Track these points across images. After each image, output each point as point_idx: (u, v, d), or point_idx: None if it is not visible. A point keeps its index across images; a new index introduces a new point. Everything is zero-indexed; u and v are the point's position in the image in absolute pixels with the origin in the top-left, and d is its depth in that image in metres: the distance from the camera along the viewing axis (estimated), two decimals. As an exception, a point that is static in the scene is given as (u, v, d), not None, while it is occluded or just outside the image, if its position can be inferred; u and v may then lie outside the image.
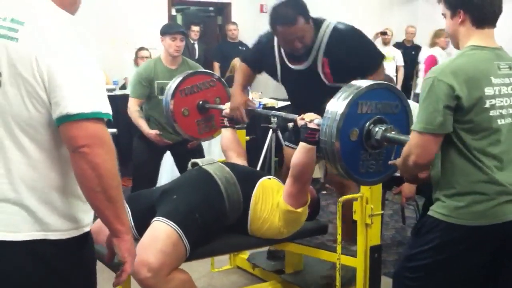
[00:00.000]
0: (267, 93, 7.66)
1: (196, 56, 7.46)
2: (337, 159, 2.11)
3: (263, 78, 9.40)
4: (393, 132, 2.11)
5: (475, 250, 1.92)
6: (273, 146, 5.44)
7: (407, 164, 1.91)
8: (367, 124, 2.14)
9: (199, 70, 3.71)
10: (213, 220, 2.57)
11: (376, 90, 2.18)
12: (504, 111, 1.88)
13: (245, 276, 3.44)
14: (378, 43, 7.81)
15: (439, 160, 1.92)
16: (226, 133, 3.17)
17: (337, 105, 2.12)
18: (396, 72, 7.78)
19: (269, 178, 2.78)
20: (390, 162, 2.13)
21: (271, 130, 5.45)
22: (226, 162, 2.94)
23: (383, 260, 2.72)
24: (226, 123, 3.17)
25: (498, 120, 1.87)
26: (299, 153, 2.54)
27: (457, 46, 1.99)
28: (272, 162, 5.49)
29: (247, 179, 2.72)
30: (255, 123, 5.96)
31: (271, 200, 2.67)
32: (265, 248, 3.13)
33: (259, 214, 2.66)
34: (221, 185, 2.63)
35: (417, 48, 8.31)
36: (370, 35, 7.70)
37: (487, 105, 1.85)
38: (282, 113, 3.02)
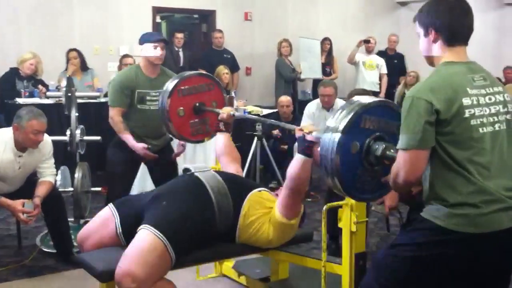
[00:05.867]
0: (252, 100, 7.68)
1: (181, 64, 7.46)
2: (335, 173, 2.08)
3: (248, 86, 9.42)
4: (392, 151, 2.10)
5: (460, 256, 1.95)
6: (258, 153, 5.45)
7: (397, 182, 1.95)
8: (367, 140, 2.12)
9: (200, 72, 3.57)
10: (201, 230, 2.56)
11: (382, 107, 2.17)
12: (485, 120, 1.94)
13: (230, 284, 3.43)
14: (362, 51, 7.88)
15: (429, 173, 1.96)
16: (221, 138, 3.12)
17: (339, 120, 2.09)
18: (380, 80, 7.85)
19: (260, 191, 2.75)
20: (383, 179, 2.15)
21: (256, 137, 5.45)
22: (218, 170, 2.92)
23: (368, 268, 2.73)
24: (222, 127, 3.13)
25: (480, 129, 1.93)
26: (295, 165, 2.50)
27: (431, 64, 2.08)
28: (257, 170, 5.49)
29: (238, 190, 2.70)
30: (240, 130, 5.96)
31: (261, 213, 2.66)
32: (251, 256, 3.13)
33: (248, 226, 2.65)
34: (212, 195, 2.61)
35: (400, 57, 8.39)
36: (354, 43, 7.79)
37: (467, 114, 1.91)
38: (281, 123, 2.98)
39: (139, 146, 3.68)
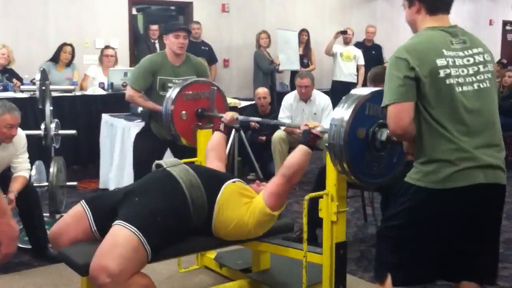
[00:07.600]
0: (230, 93, 7.65)
1: (157, 56, 7.39)
2: (344, 158, 2.29)
3: (226, 78, 9.40)
4: None
5: (442, 213, 2.06)
6: (236, 146, 5.42)
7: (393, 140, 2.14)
8: (372, 128, 2.32)
9: (205, 79, 3.72)
10: (176, 224, 2.53)
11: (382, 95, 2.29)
12: (461, 80, 2.05)
13: (212, 276, 3.41)
14: (339, 42, 7.89)
15: (417, 130, 2.09)
16: (217, 136, 3.23)
17: (344, 109, 2.30)
18: (357, 71, 7.88)
19: (234, 182, 2.73)
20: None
21: (234, 130, 5.41)
22: (190, 164, 2.89)
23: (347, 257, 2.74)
24: (222, 127, 3.23)
25: (457, 88, 2.04)
26: (297, 155, 2.64)
27: (415, 32, 2.21)
28: (235, 162, 5.47)
29: (212, 182, 2.68)
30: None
31: (237, 204, 2.64)
32: (232, 247, 3.12)
33: (224, 218, 2.63)
34: (185, 189, 2.59)
35: (377, 48, 8.43)
36: (331, 34, 7.80)
37: (442, 74, 2.03)
38: (286, 122, 3.13)
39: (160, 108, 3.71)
